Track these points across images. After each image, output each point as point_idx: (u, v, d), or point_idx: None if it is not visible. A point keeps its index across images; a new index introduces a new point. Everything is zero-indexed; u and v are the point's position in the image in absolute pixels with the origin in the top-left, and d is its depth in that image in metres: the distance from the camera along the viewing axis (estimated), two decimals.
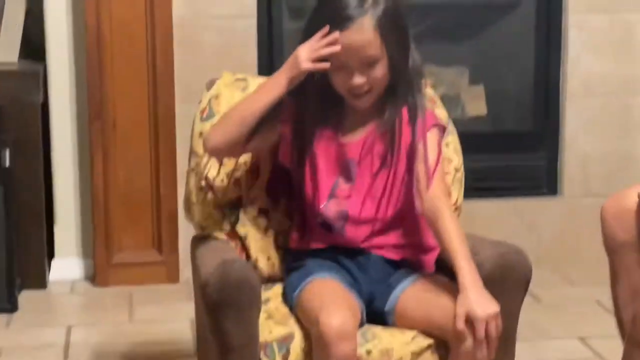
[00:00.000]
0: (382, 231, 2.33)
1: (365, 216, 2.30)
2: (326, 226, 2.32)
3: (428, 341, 2.20)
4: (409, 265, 2.32)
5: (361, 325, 2.21)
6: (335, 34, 2.16)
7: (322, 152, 2.32)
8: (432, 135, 2.33)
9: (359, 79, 2.21)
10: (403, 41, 2.27)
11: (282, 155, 2.35)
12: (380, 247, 2.33)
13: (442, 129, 2.41)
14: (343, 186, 2.30)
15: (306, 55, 2.17)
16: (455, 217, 2.31)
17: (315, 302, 2.17)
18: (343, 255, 2.31)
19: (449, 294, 2.18)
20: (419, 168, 2.29)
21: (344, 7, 2.20)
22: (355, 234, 2.30)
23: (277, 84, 2.22)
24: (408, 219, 2.34)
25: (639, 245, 2.33)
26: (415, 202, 2.29)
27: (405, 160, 2.31)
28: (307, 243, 2.35)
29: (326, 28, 2.15)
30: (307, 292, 2.23)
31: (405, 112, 2.31)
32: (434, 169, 2.30)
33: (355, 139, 2.32)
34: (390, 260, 2.32)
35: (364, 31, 2.19)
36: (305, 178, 2.33)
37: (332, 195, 2.31)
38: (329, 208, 2.30)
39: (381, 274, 2.30)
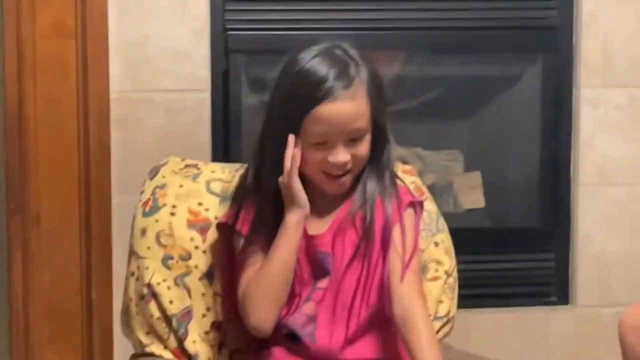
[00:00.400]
0: (357, 337, 2.31)
1: (338, 315, 2.31)
2: (292, 337, 2.29)
3: None
4: None
5: None
6: (297, 151, 2.22)
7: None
8: (407, 217, 2.36)
9: (343, 157, 2.23)
10: (385, 111, 2.31)
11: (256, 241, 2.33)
12: None
13: (420, 206, 2.41)
14: (320, 285, 2.31)
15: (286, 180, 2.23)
16: (430, 323, 2.29)
17: None
18: None
19: None
20: (393, 259, 2.30)
21: (325, 78, 2.23)
22: (328, 341, 2.29)
23: (289, 229, 2.26)
24: (387, 322, 2.31)
25: None
26: (386, 301, 2.29)
27: (379, 247, 2.32)
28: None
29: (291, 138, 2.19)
30: None
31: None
32: (409, 260, 2.30)
33: (324, 229, 2.33)
34: None
35: (353, 100, 2.23)
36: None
37: (308, 299, 2.31)
38: (301, 313, 2.31)
39: None
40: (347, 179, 2.27)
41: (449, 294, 2.53)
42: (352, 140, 2.23)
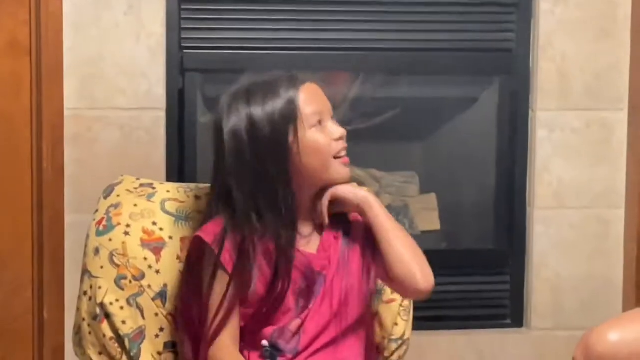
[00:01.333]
0: (338, 340, 2.32)
1: (322, 325, 2.32)
2: (273, 352, 2.30)
3: None
4: None
5: None
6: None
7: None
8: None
9: (341, 129, 2.31)
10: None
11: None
12: None
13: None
14: (309, 304, 2.32)
15: None
16: None
17: None
18: None
19: None
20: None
21: (289, 75, 2.35)
22: (310, 344, 2.30)
23: None
24: (366, 332, 2.37)
25: None
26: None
27: (357, 260, 2.36)
28: None
29: None
30: None
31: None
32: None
33: (314, 249, 2.35)
34: None
35: (315, 85, 2.35)
36: (280, 300, 2.30)
37: (296, 317, 2.31)
38: (288, 329, 2.31)
39: None
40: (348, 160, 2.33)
41: (404, 316, 2.52)
42: (332, 119, 2.31)
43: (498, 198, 3.85)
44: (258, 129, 2.27)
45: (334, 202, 2.32)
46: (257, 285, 2.27)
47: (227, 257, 2.25)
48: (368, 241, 2.35)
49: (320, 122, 2.26)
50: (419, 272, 2.26)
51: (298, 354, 2.29)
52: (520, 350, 3.79)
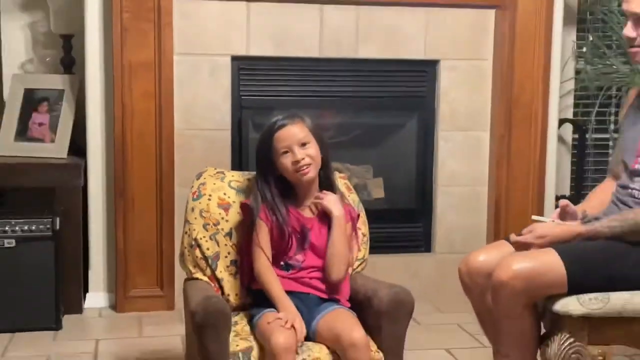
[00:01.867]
0: (319, 268, 2.31)
1: (314, 258, 2.31)
2: (287, 266, 2.31)
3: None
4: (331, 300, 2.30)
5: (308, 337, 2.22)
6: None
7: (291, 224, 2.31)
8: (348, 227, 2.36)
9: (300, 154, 2.24)
10: (326, 148, 2.33)
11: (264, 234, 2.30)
12: (317, 289, 2.31)
13: (357, 218, 2.45)
14: (304, 247, 2.31)
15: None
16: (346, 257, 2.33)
17: (267, 326, 2.16)
18: (293, 294, 2.28)
19: (347, 318, 2.22)
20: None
21: (277, 120, 2.28)
22: (309, 263, 2.30)
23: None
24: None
25: (484, 293, 2.32)
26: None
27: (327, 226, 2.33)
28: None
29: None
30: (263, 319, 2.21)
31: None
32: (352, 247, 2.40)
33: (306, 214, 2.33)
34: (320, 297, 2.30)
35: (297, 126, 2.26)
36: (287, 241, 2.30)
37: (296, 254, 2.30)
38: (295, 258, 2.30)
39: (314, 308, 2.28)
40: (310, 170, 2.27)
41: (365, 246, 2.54)
42: (303, 145, 2.26)
43: (417, 179, 3.84)
44: (258, 153, 2.35)
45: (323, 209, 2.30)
46: (275, 232, 2.29)
47: (263, 215, 2.30)
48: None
49: (287, 151, 2.25)
50: (334, 273, 2.26)
51: (301, 269, 2.30)
52: (429, 265, 3.81)
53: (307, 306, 2.28)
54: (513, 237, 2.32)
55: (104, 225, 3.59)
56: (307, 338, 2.24)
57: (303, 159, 2.25)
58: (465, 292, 2.40)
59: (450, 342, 3.22)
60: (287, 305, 2.22)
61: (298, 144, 2.25)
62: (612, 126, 4.29)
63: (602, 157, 4.27)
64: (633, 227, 2.17)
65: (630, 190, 2.28)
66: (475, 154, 3.80)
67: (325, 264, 2.30)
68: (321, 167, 2.32)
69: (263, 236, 2.29)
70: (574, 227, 2.25)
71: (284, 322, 2.15)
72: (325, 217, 2.33)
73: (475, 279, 2.35)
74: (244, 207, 2.40)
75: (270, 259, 2.30)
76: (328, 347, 2.22)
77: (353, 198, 2.56)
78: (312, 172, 2.28)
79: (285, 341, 2.10)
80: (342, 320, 2.22)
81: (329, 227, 2.31)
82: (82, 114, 3.58)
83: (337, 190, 2.39)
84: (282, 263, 2.32)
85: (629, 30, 2.19)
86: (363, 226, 2.55)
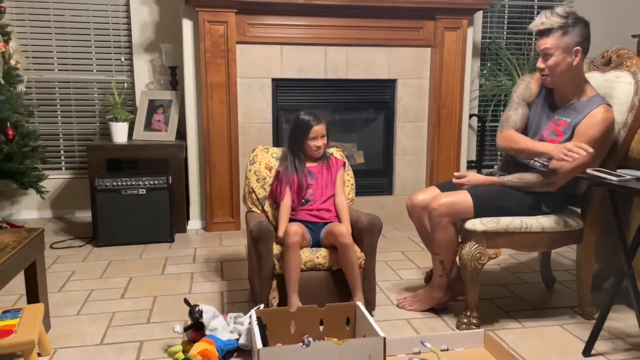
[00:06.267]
0: (324, 203, 2.25)
1: (321, 196, 2.27)
2: (306, 201, 2.26)
3: (329, 252, 2.17)
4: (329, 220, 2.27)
5: (309, 245, 2.18)
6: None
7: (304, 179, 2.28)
8: (341, 172, 2.35)
9: (321, 142, 2.26)
10: (329, 131, 2.31)
11: (285, 185, 2.26)
12: (323, 219, 2.26)
13: (343, 165, 2.40)
14: (311, 184, 2.28)
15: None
16: (347, 208, 2.30)
17: (289, 226, 2.13)
18: (308, 222, 2.24)
19: (337, 224, 2.19)
20: (338, 187, 2.30)
21: (309, 122, 2.26)
22: (318, 201, 2.25)
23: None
24: (328, 205, 2.29)
25: (422, 219, 2.31)
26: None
27: (334, 176, 2.31)
28: (294, 216, 2.27)
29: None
30: (288, 225, 2.14)
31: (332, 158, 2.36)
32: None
33: (314, 169, 2.30)
34: (325, 223, 2.24)
35: (323, 125, 2.26)
36: (302, 187, 2.26)
37: (308, 188, 2.27)
38: (309, 193, 2.26)
39: (320, 229, 2.23)
40: (321, 151, 2.30)
41: (352, 191, 2.47)
42: (322, 136, 2.27)
43: (383, 151, 3.74)
44: (296, 134, 2.28)
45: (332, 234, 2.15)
46: (297, 182, 2.25)
47: (288, 177, 2.27)
48: (333, 172, 2.30)
49: (313, 138, 2.26)
50: (346, 225, 2.20)
51: (314, 202, 2.26)
52: (391, 202, 3.74)
53: (317, 228, 2.25)
54: (455, 180, 2.21)
55: (198, 180, 3.56)
56: (318, 245, 2.22)
57: (320, 147, 2.28)
58: (410, 217, 2.37)
59: (404, 247, 3.23)
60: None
61: (321, 135, 2.28)
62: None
63: (493, 138, 4.22)
64: (527, 185, 2.12)
65: (531, 161, 2.17)
66: (418, 136, 3.75)
67: (339, 218, 2.25)
68: None
69: (287, 190, 2.27)
70: (490, 178, 2.19)
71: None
72: (327, 167, 2.29)
73: (415, 208, 2.32)
74: (277, 173, 2.35)
75: (290, 200, 2.25)
76: (329, 248, 2.18)
77: (345, 165, 2.47)
78: (320, 154, 2.31)
79: (296, 228, 2.08)
80: (334, 225, 2.20)
81: (327, 172, 2.28)
82: (183, 114, 3.59)
83: (327, 156, 2.34)
84: (303, 200, 2.28)
85: (539, 63, 2.09)
86: (351, 179, 2.50)
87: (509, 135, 2.18)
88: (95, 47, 3.74)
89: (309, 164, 2.32)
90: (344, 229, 2.13)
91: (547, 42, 2.05)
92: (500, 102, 4.18)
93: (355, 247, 2.18)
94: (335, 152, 2.51)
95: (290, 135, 2.33)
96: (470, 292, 2.15)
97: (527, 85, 2.22)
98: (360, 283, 2.16)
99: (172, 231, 3.34)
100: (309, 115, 2.28)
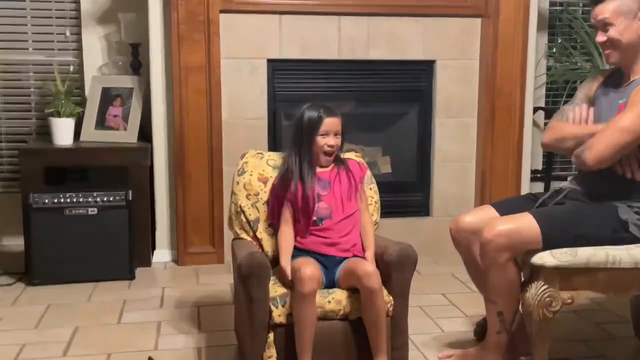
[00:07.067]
0: (344, 222, 2.26)
1: (339, 212, 2.27)
2: (319, 220, 2.26)
3: (348, 294, 2.18)
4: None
5: (321, 287, 2.19)
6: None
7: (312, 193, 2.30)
8: (361, 186, 2.39)
9: (334, 141, 2.29)
10: (344, 130, 2.35)
11: (282, 201, 2.30)
12: (343, 250, 2.26)
13: (365, 171, 2.44)
14: (323, 193, 2.29)
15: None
16: (372, 232, 2.36)
17: (298, 262, 2.17)
18: (318, 255, 2.25)
19: (360, 260, 2.20)
20: (361, 203, 2.35)
21: (319, 113, 2.29)
22: (337, 219, 2.26)
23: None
24: (351, 227, 2.28)
25: (470, 248, 2.35)
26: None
27: (348, 184, 2.32)
28: (301, 244, 2.28)
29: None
30: (295, 262, 2.19)
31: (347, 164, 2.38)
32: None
33: (325, 177, 2.32)
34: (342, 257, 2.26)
35: (338, 119, 2.30)
36: (309, 200, 2.27)
37: (318, 201, 2.27)
38: (320, 207, 2.27)
39: (336, 265, 2.24)
40: (331, 158, 2.32)
41: (376, 211, 2.53)
42: (336, 134, 2.30)
43: (418, 157, 3.81)
44: (303, 127, 2.30)
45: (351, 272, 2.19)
46: (299, 196, 2.27)
47: (291, 195, 2.29)
48: (354, 180, 2.34)
49: (325, 134, 2.29)
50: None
51: (330, 219, 2.27)
52: (428, 226, 3.77)
53: (332, 264, 2.24)
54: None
55: (167, 196, 3.59)
56: (332, 286, 2.23)
57: (333, 146, 2.30)
58: (454, 246, 2.39)
59: (445, 288, 3.23)
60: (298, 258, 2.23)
61: (335, 132, 2.30)
62: None
63: None
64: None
65: (619, 170, 2.19)
66: (464, 137, 3.78)
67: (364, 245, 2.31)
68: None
69: (287, 213, 2.30)
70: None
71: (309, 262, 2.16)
72: (346, 172, 2.33)
73: (462, 235, 2.34)
74: (272, 187, 2.38)
75: (291, 221, 2.29)
76: (346, 290, 2.19)
77: (367, 173, 2.52)
78: (330, 161, 2.33)
79: (312, 272, 2.07)
80: (356, 261, 2.21)
81: (346, 180, 2.32)
82: (148, 107, 3.57)
83: (343, 160, 2.40)
84: (314, 219, 2.27)
85: (599, 37, 2.19)
86: (375, 195, 2.53)
87: (553, 127, 2.27)
88: (32, 17, 3.73)
89: (318, 170, 2.34)
90: (370, 267, 2.14)
91: (604, 11, 2.12)
92: (575, 91, 4.19)
93: (383, 291, 2.17)
94: (355, 158, 2.53)
95: (294, 131, 2.36)
96: (538, 350, 2.14)
97: (592, 79, 2.34)
98: (385, 340, 2.16)
99: (132, 265, 3.36)
100: (316, 108, 2.31)
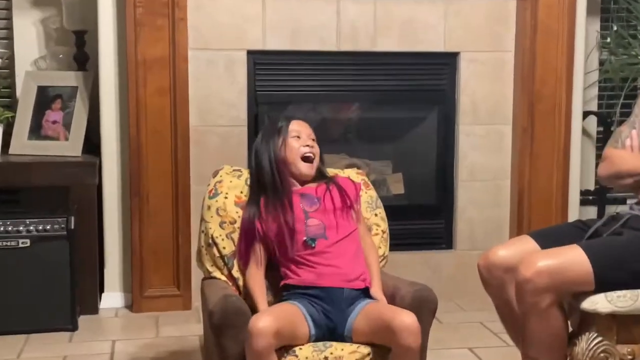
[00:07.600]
0: (339, 254, 2.28)
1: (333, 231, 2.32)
2: (311, 240, 2.29)
3: (368, 349, 2.17)
4: (358, 297, 2.27)
5: (310, 340, 2.19)
6: None
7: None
8: (357, 204, 2.43)
9: (311, 143, 2.38)
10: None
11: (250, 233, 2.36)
12: (348, 280, 2.27)
13: (359, 187, 2.49)
14: (311, 210, 2.33)
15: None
16: (378, 261, 2.40)
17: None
18: (317, 288, 2.25)
19: (388, 306, 2.21)
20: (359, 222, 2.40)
21: (284, 117, 2.47)
22: (332, 239, 2.29)
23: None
24: (353, 251, 2.32)
25: (504, 289, 2.32)
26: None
27: (340, 206, 2.35)
28: (292, 278, 2.29)
29: None
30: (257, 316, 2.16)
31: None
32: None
33: (312, 192, 2.37)
34: (346, 288, 2.25)
35: (307, 124, 2.44)
36: (290, 219, 2.30)
37: (307, 217, 2.31)
38: (311, 225, 2.29)
39: (343, 306, 2.24)
40: (313, 165, 2.39)
41: (384, 243, 2.54)
42: (312, 140, 2.40)
43: (438, 174, 3.79)
44: (268, 135, 2.41)
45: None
46: (272, 225, 2.31)
47: (258, 226, 2.35)
48: (348, 198, 2.38)
49: (298, 136, 2.37)
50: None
51: (325, 239, 2.29)
52: (450, 262, 3.77)
53: (337, 299, 2.23)
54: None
55: (119, 224, 3.58)
56: (340, 339, 2.22)
57: (313, 147, 2.39)
58: (484, 286, 2.38)
59: (474, 341, 3.21)
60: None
61: (308, 136, 2.41)
62: None
63: None
64: None
65: None
66: (497, 148, 3.77)
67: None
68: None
69: (257, 248, 2.36)
70: None
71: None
72: (336, 186, 2.40)
73: (493, 273, 2.32)
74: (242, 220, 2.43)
75: (260, 261, 2.35)
76: (362, 344, 2.18)
77: (371, 194, 2.56)
78: (313, 169, 2.40)
79: (268, 323, 2.04)
80: (387, 309, 2.20)
81: (338, 197, 2.38)
82: (96, 111, 3.56)
83: (331, 177, 2.47)
84: (304, 240, 2.29)
85: None
86: (382, 222, 2.55)
87: (608, 156, 2.31)
88: None
89: (300, 187, 2.41)
90: (410, 318, 2.10)
91: None
92: (636, 92, 4.12)
93: (420, 332, 2.15)
94: (354, 176, 2.58)
95: (260, 142, 2.45)
96: None
97: None
98: None
99: (75, 312, 3.34)
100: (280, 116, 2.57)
